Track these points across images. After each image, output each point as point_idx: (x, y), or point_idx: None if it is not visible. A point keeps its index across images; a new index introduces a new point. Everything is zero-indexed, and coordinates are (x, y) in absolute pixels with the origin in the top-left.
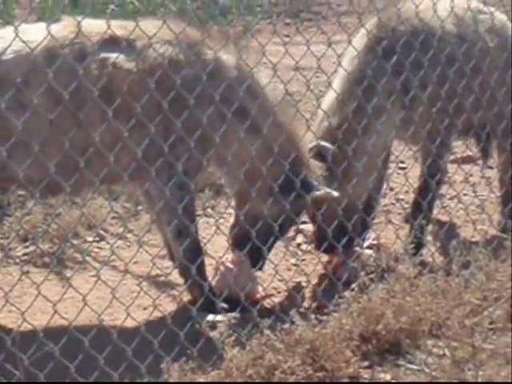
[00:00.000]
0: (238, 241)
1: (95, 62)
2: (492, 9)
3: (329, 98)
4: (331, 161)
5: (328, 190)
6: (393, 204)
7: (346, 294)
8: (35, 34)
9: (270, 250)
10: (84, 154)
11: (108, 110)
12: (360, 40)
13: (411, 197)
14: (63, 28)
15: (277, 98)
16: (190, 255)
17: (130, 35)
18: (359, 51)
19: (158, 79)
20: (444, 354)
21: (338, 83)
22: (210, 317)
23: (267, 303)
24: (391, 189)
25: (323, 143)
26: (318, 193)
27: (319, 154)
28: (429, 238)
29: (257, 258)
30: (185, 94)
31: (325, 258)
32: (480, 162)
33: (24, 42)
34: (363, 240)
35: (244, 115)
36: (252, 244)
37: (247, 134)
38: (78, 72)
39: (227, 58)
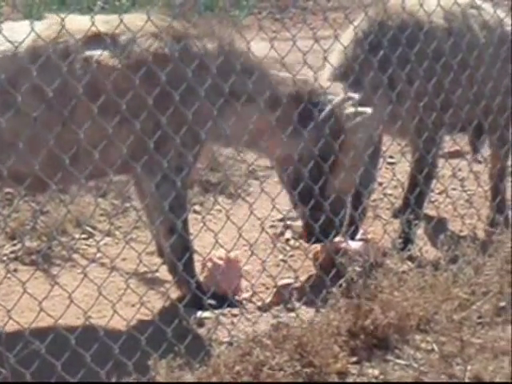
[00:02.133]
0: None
1: (80, 60)
2: (487, 4)
3: None
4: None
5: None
6: (381, 199)
7: (334, 289)
8: (20, 33)
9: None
10: (72, 152)
11: (94, 107)
12: (348, 35)
13: (399, 192)
14: (48, 27)
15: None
16: (180, 252)
17: (114, 30)
18: (346, 46)
19: (144, 74)
20: (432, 349)
21: (325, 78)
22: (198, 313)
23: (255, 299)
24: (379, 183)
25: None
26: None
27: None
28: (418, 232)
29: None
30: (173, 88)
31: (313, 252)
32: (468, 156)
33: (10, 41)
34: (351, 235)
35: (239, 94)
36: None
37: (248, 107)
38: (63, 71)
39: (213, 45)
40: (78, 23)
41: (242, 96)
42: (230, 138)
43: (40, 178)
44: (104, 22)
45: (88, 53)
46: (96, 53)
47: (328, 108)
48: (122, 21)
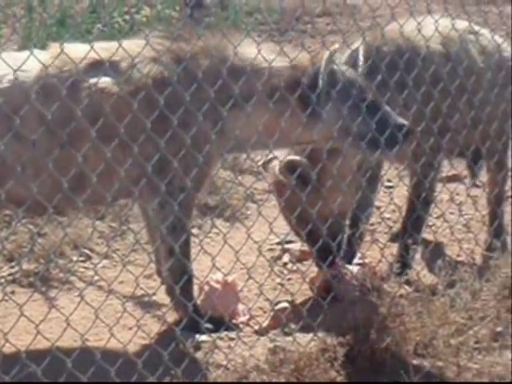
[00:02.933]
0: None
1: (83, 88)
2: (485, 29)
3: None
4: (316, 179)
5: None
6: (379, 223)
7: (331, 313)
8: (25, 63)
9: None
10: (77, 178)
11: (96, 134)
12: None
13: (397, 216)
14: (52, 56)
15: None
16: (178, 274)
17: (114, 57)
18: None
19: (144, 99)
20: (429, 374)
21: None
22: (195, 337)
23: (253, 323)
24: (377, 207)
25: (292, 157)
26: None
27: (291, 169)
28: (415, 256)
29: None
30: (173, 111)
31: (310, 276)
32: (466, 180)
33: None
34: (348, 259)
35: (245, 100)
36: None
37: (256, 109)
38: (67, 99)
39: (210, 62)
40: (81, 51)
41: (247, 100)
42: (243, 144)
43: (39, 202)
44: (104, 49)
45: (90, 80)
46: (98, 80)
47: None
48: (120, 46)
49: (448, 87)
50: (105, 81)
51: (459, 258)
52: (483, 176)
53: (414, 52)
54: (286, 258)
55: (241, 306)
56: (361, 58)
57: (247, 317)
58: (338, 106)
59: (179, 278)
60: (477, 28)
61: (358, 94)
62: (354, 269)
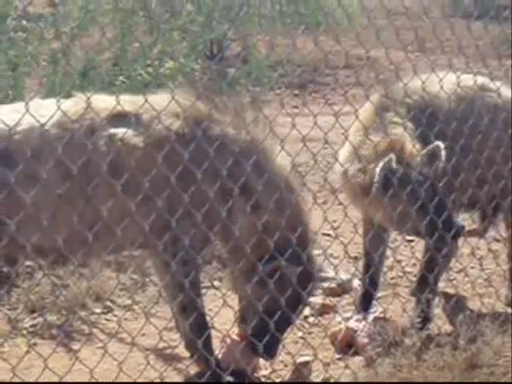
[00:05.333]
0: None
1: (104, 137)
2: (498, 84)
3: (336, 170)
4: None
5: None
6: (400, 277)
7: (353, 367)
8: (48, 109)
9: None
10: (92, 227)
11: (116, 184)
12: (364, 112)
13: (418, 270)
14: (74, 104)
15: (285, 171)
16: (196, 329)
17: (138, 109)
18: (364, 124)
19: (165, 153)
20: None
21: (343, 155)
22: None
23: (274, 377)
24: (398, 261)
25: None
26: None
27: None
28: (436, 311)
29: (269, 344)
30: (190, 169)
31: (332, 330)
32: (487, 235)
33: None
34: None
35: (249, 191)
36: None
37: (252, 209)
38: (87, 147)
39: (234, 132)
40: (104, 102)
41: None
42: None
43: (62, 253)
44: (130, 102)
45: (112, 130)
46: (120, 131)
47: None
48: (146, 100)
49: (470, 143)
50: (125, 131)
51: (481, 313)
52: (503, 231)
53: (435, 107)
54: (307, 311)
55: (262, 360)
56: (442, 155)
57: (269, 370)
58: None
59: (198, 332)
60: (491, 84)
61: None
62: (376, 323)
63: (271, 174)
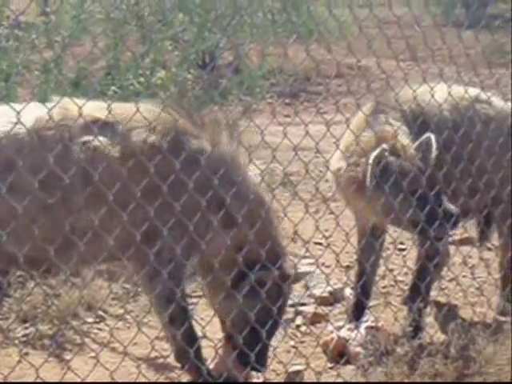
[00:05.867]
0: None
1: (78, 144)
2: (489, 94)
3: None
4: None
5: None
6: (392, 286)
7: (345, 376)
8: (24, 115)
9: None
10: (65, 237)
11: (87, 193)
12: (356, 121)
13: (410, 279)
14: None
15: (257, 187)
16: (186, 340)
17: (114, 118)
18: (355, 132)
19: (137, 165)
20: None
21: (335, 156)
22: None
23: None
24: (390, 270)
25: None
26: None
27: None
28: (428, 319)
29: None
30: (163, 182)
31: (324, 339)
32: (478, 243)
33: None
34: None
35: (220, 206)
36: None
37: (222, 224)
38: (61, 155)
39: (211, 149)
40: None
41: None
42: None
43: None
44: (102, 109)
45: (86, 138)
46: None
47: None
48: (138, 110)
49: (460, 153)
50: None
51: (472, 322)
52: (495, 240)
53: (426, 117)
54: (298, 320)
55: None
56: (434, 146)
57: (261, 379)
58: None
59: (187, 343)
60: (483, 95)
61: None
62: (368, 332)
63: (243, 187)
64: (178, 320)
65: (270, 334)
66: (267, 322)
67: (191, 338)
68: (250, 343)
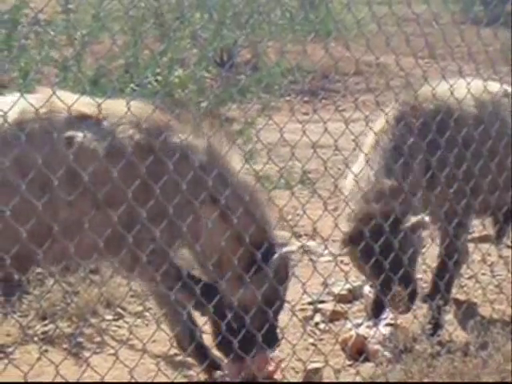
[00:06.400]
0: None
1: (63, 139)
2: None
3: (346, 184)
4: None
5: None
6: None
7: (364, 374)
8: (8, 106)
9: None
10: (50, 231)
11: (73, 187)
12: (379, 121)
13: (429, 276)
14: (36, 101)
15: (250, 184)
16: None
17: (100, 114)
18: (378, 133)
19: (124, 162)
20: None
21: (356, 167)
22: None
23: None
24: None
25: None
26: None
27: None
28: (448, 317)
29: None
30: (150, 180)
31: (342, 336)
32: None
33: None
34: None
35: (213, 202)
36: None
37: (216, 221)
38: (46, 148)
39: (197, 143)
40: (68, 101)
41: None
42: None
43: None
44: (92, 104)
45: (71, 133)
46: (79, 134)
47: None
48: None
49: (480, 149)
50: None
51: (492, 319)
52: None
53: (447, 114)
54: (317, 317)
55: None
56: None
57: (280, 377)
58: None
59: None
60: (509, 90)
61: None
62: (387, 330)
63: (233, 180)
64: (177, 321)
65: (278, 314)
66: (278, 303)
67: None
68: (262, 326)
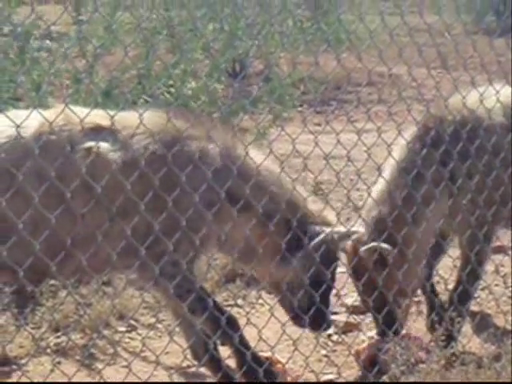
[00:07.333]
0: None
1: (80, 150)
2: None
3: (378, 187)
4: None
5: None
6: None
7: None
8: (27, 119)
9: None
10: (71, 241)
11: (89, 198)
12: (410, 131)
13: (442, 288)
14: (53, 115)
15: (274, 174)
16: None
17: (117, 126)
18: (408, 141)
19: (141, 171)
20: None
21: (387, 172)
22: None
23: None
24: None
25: (383, 245)
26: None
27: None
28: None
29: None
30: (169, 186)
31: (356, 348)
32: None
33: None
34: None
35: (236, 200)
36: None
37: (243, 215)
38: (64, 159)
39: (212, 146)
40: (82, 115)
41: (238, 202)
42: (223, 245)
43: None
44: (106, 117)
45: (88, 144)
46: (96, 144)
47: (319, 238)
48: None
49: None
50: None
51: (505, 331)
52: None
53: (476, 123)
54: (331, 329)
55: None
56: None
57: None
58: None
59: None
60: None
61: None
62: (400, 341)
63: (255, 175)
64: (198, 310)
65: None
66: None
67: (214, 326)
68: (309, 308)
